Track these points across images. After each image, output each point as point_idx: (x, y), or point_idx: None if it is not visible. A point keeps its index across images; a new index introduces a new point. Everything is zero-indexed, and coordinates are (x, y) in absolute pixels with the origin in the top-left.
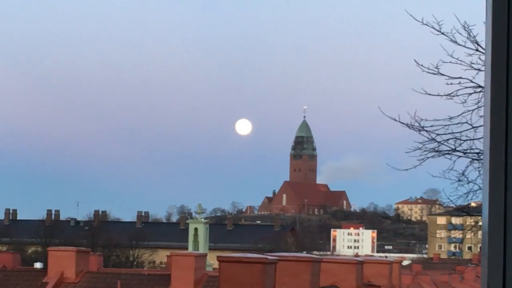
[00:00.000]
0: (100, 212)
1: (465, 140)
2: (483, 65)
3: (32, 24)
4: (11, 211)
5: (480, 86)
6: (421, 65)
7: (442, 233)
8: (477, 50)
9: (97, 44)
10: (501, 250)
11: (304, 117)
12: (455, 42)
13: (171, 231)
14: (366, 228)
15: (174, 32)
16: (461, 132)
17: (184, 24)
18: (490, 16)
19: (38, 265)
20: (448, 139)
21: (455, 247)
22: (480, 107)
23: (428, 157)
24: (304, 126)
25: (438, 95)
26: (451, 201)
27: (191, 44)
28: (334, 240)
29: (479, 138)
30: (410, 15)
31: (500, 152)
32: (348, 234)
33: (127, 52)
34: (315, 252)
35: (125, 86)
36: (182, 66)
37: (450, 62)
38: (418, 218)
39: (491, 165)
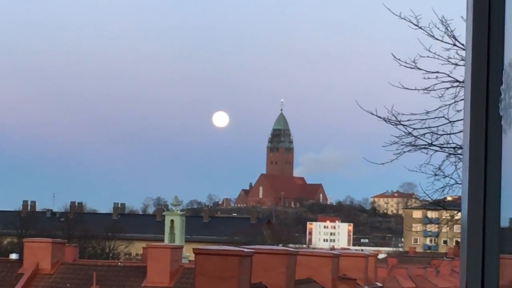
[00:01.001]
0: (76, 204)
1: (441, 135)
2: (460, 60)
3: (12, 16)
4: None
5: (457, 81)
6: (399, 59)
7: (418, 227)
8: (454, 44)
9: (73, 36)
10: (480, 247)
11: (281, 109)
12: (433, 36)
13: (147, 223)
14: (342, 221)
15: (152, 23)
16: (437, 126)
17: (162, 14)
18: (471, 11)
19: (13, 256)
20: (424, 134)
21: (430, 241)
22: (457, 101)
23: (404, 151)
24: (281, 118)
25: (415, 89)
26: (427, 195)
27: (168, 35)
28: (310, 233)
29: (456, 133)
30: (388, 9)
31: (480, 148)
32: (324, 227)
33: (103, 43)
34: (291, 245)
35: (102, 78)
36: (159, 57)
37: (428, 56)
38: (394, 211)
39: (471, 161)
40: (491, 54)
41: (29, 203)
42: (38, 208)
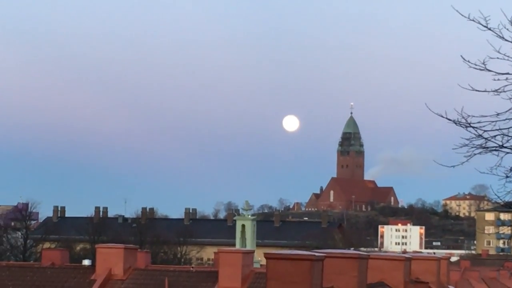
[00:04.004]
0: (147, 209)
1: None
2: None
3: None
4: (59, 209)
5: None
6: (468, 61)
7: (490, 229)
8: None
9: (148, 45)
10: None
11: (351, 113)
12: (502, 37)
13: (219, 228)
14: (413, 224)
15: (222, 29)
16: (508, 128)
17: (234, 20)
18: None
19: (86, 262)
20: (495, 135)
21: (503, 243)
22: None
23: (475, 154)
24: (351, 122)
25: (485, 91)
26: (498, 197)
27: (239, 41)
28: (382, 236)
29: None
30: (457, 10)
31: None
32: (396, 230)
33: (177, 49)
34: (362, 249)
35: (174, 84)
36: (231, 63)
37: (497, 58)
38: (466, 214)
39: None
40: None
41: (101, 209)
42: (110, 214)
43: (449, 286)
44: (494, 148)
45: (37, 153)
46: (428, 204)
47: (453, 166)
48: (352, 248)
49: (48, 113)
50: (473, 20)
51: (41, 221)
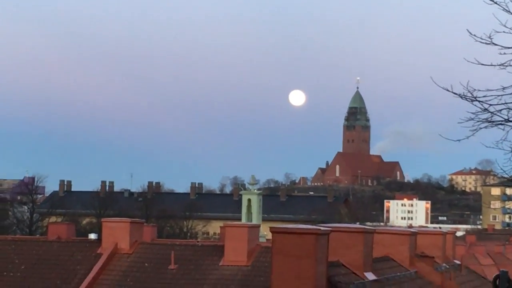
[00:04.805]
0: (154, 184)
1: None
2: None
3: None
4: (65, 183)
5: None
6: (474, 35)
7: (496, 204)
8: None
9: (155, 18)
10: None
11: (357, 87)
12: (508, 11)
13: (225, 202)
14: (419, 199)
15: (229, 3)
16: None
17: None
18: None
19: (92, 236)
20: (501, 110)
21: (509, 217)
22: None
23: (480, 128)
24: (357, 97)
25: (491, 65)
26: (504, 171)
27: (245, 15)
28: (388, 211)
29: None
30: None
31: None
32: (402, 205)
33: (181, 23)
34: (368, 223)
35: (179, 59)
36: (237, 37)
37: (503, 31)
38: (472, 189)
39: None
40: None
41: (107, 183)
42: (116, 188)
43: (455, 261)
44: (499, 122)
45: (44, 127)
46: (434, 179)
47: (459, 140)
48: (358, 223)
49: (54, 87)
50: None
51: (48, 195)
